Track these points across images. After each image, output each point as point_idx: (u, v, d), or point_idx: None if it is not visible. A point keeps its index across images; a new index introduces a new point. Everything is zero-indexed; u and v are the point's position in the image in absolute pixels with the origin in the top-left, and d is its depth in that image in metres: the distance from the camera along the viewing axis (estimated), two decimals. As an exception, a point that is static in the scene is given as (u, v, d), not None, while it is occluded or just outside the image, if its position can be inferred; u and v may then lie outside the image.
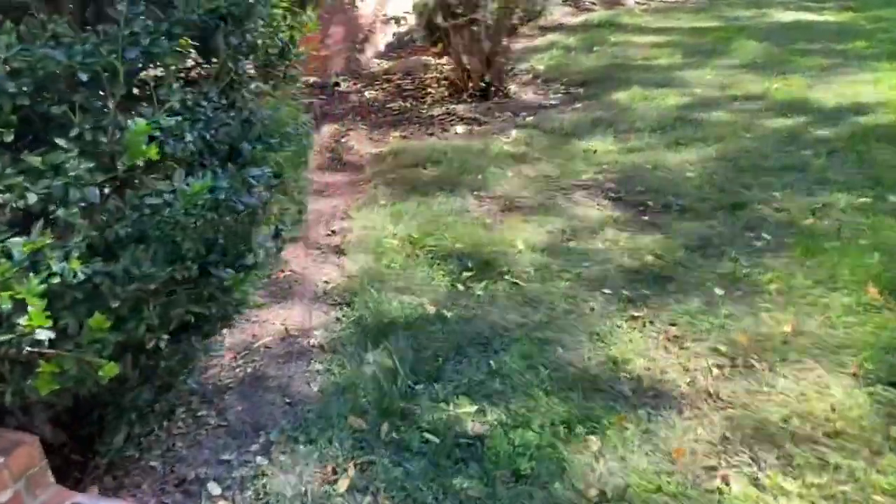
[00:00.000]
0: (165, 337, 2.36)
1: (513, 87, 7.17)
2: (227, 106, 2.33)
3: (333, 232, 4.62)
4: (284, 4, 3.79)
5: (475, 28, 6.74)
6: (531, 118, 6.49)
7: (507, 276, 3.92)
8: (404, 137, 6.27)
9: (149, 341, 2.34)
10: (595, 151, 5.61)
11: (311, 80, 7.84)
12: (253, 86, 2.53)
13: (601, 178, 5.13)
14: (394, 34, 8.80)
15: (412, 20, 7.58)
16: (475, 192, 5.00)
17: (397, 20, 7.51)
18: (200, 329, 2.61)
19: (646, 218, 4.54)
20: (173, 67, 2.16)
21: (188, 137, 2.14)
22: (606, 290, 3.76)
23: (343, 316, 3.72)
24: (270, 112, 2.46)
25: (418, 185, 5.13)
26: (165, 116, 2.05)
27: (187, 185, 2.13)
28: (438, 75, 7.59)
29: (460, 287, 3.86)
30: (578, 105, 6.78)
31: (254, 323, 3.67)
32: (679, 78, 7.25)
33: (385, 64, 8.72)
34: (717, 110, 6.29)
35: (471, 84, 6.93)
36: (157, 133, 2.07)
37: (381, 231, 4.48)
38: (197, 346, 2.57)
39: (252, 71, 2.48)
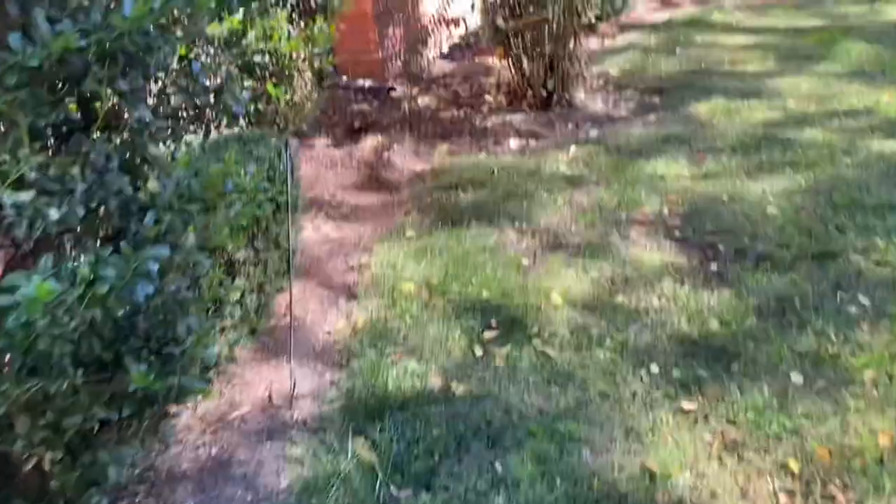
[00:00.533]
0: (55, 454, 1.85)
1: (579, 95, 6.42)
2: (118, 168, 1.78)
3: (351, 268, 4.05)
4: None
5: (536, 31, 6.03)
6: (595, 132, 5.74)
7: (535, 340, 3.27)
8: (452, 152, 5.64)
9: (26, 462, 1.83)
10: (662, 177, 4.84)
11: (367, 84, 7.32)
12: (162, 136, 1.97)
13: (665, 212, 4.37)
14: (459, 35, 8.16)
15: (478, 18, 6.93)
16: (516, 224, 4.33)
17: (456, 22, 6.86)
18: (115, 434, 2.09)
19: (713, 267, 3.77)
20: (24, 122, 1.61)
21: (52, 216, 1.59)
22: (654, 368, 3.05)
23: (338, 380, 3.15)
24: (186, 172, 1.90)
25: (454, 212, 4.50)
26: (10, 191, 1.51)
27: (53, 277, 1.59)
28: (499, 81, 6.91)
29: (478, 351, 3.23)
30: (651, 117, 5.98)
31: (235, 386, 3.15)
32: (770, 87, 6.32)
33: (447, 66, 8.09)
34: (811, 128, 5.38)
35: (531, 92, 6.23)
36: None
37: (401, 271, 3.89)
38: (105, 458, 2.03)
39: (160, 122, 1.91)
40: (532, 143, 5.69)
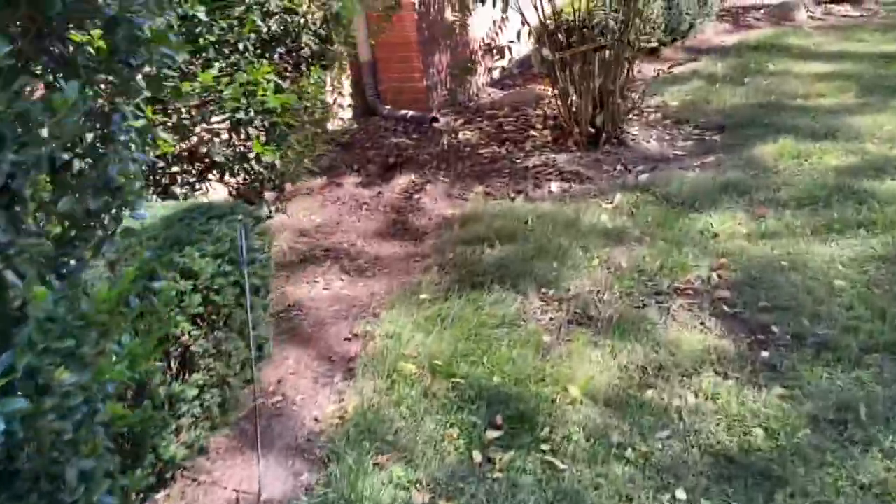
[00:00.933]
0: None
1: (632, 131, 5.88)
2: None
3: (355, 335, 3.66)
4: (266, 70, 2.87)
5: (585, 61, 5.54)
6: (645, 176, 5.20)
7: (544, 446, 2.79)
8: (487, 194, 5.21)
9: None
10: (715, 234, 4.28)
11: (409, 114, 6.95)
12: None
13: (714, 279, 3.82)
14: (509, 60, 7.71)
15: (530, 43, 6.46)
16: (543, 290, 3.86)
17: (501, 51, 6.42)
18: None
19: (765, 355, 3.22)
20: None
21: None
22: (680, 494, 2.54)
23: (313, 485, 2.75)
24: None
25: (477, 271, 4.06)
26: None
27: None
28: (545, 114, 6.44)
29: (476, 457, 2.78)
30: (709, 159, 5.40)
31: (200, 486, 2.79)
32: (847, 126, 5.65)
33: (497, 95, 7.66)
34: (892, 179, 4.72)
35: (577, 129, 5.73)
36: None
37: (407, 343, 3.47)
38: None
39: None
40: (575, 187, 5.20)
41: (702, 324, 3.49)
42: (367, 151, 6.26)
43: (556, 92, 5.79)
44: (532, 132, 6.20)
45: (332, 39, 3.21)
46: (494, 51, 6.49)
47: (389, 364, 3.32)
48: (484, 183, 5.40)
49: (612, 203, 4.83)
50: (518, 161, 5.68)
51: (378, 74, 7.31)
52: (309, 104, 3.28)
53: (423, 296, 3.88)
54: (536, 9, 5.58)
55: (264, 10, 2.69)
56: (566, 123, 5.82)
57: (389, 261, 4.41)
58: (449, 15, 7.24)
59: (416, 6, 6.81)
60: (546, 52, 5.63)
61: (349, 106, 7.22)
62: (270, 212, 3.65)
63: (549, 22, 5.65)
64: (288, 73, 3.16)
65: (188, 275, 2.36)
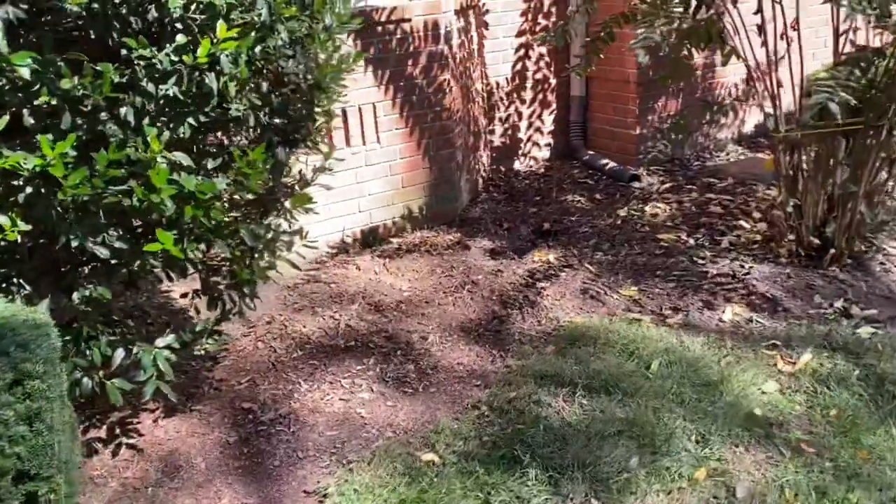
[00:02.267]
0: None
1: (878, 255, 3.99)
2: None
3: (313, 493, 2.65)
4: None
5: (827, 147, 3.80)
6: (870, 330, 3.40)
7: None
8: (634, 302, 3.79)
9: None
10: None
11: (609, 165, 5.63)
12: None
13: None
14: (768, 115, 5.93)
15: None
16: (594, 501, 2.49)
17: (734, 108, 4.79)
18: None
19: None
20: None
21: None
22: None
23: None
24: None
25: (523, 436, 2.79)
26: None
27: None
28: (760, 203, 4.70)
29: None
30: None
31: None
32: None
33: (734, 156, 5.96)
34: None
35: (792, 235, 4.00)
36: None
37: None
38: None
39: None
40: (760, 321, 3.57)
41: None
42: (530, 206, 5.11)
43: (782, 178, 4.10)
44: (742, 221, 4.54)
45: (311, 102, 2.15)
46: (715, 107, 4.85)
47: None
48: (640, 283, 3.98)
49: (793, 364, 3.17)
50: (701, 261, 4.13)
51: (589, 113, 6.05)
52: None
53: (425, 456, 2.73)
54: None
55: (154, 65, 1.75)
56: (782, 223, 4.11)
57: (445, 377, 3.28)
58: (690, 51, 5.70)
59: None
60: (775, 124, 3.97)
61: (546, 145, 6.08)
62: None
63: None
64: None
65: None
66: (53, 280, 2.12)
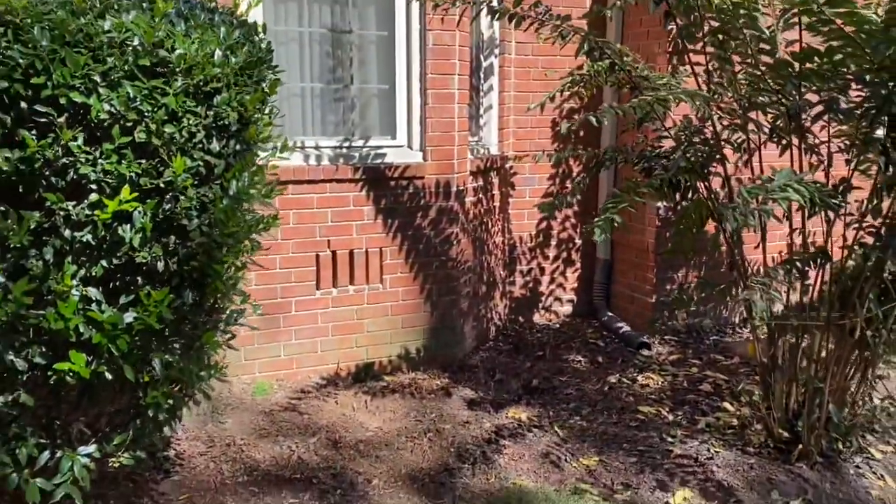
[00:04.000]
0: None
1: (857, 459, 3.78)
2: None
3: None
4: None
5: (802, 337, 3.75)
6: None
7: None
8: (589, 473, 3.74)
9: None
10: None
11: (623, 329, 5.66)
12: None
13: None
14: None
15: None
16: None
17: (730, 290, 4.76)
18: None
19: None
20: None
21: None
22: None
23: None
24: None
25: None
26: None
27: None
28: (743, 389, 4.56)
29: None
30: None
31: None
32: None
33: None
34: None
35: (759, 425, 3.88)
36: None
37: None
38: None
39: None
40: (703, 510, 3.45)
41: None
42: (529, 361, 5.18)
43: (760, 362, 4.03)
44: (727, 404, 4.41)
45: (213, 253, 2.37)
46: (714, 290, 4.83)
47: None
48: (602, 454, 3.93)
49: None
50: (671, 440, 4.04)
51: (614, 275, 6.15)
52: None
53: None
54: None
55: (70, 216, 2.10)
56: (754, 411, 3.99)
57: (371, 521, 3.35)
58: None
59: (659, 211, 5.57)
60: (758, 314, 3.96)
61: (569, 301, 6.20)
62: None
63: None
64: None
65: None
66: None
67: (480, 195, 5.34)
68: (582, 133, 5.92)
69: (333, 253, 4.72)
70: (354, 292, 4.79)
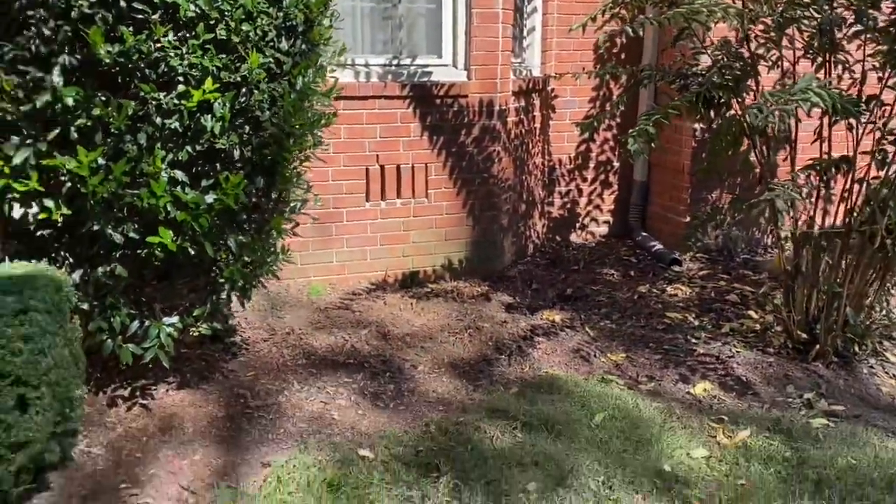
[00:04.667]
0: None
1: (872, 360, 4.02)
2: None
3: (189, 489, 3.16)
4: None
5: (831, 248, 3.96)
6: (832, 421, 3.48)
7: None
8: (616, 367, 4.07)
9: None
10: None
11: (655, 247, 5.89)
12: None
13: None
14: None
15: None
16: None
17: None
18: None
19: None
20: None
21: None
22: None
23: None
24: None
25: (461, 459, 3.17)
26: None
27: None
28: (770, 297, 4.78)
29: None
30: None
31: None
32: None
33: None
34: None
35: (779, 327, 4.13)
36: None
37: None
38: None
39: None
40: (721, 398, 3.75)
41: None
42: (564, 274, 5.48)
43: (785, 273, 4.25)
44: (751, 312, 4.67)
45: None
46: (744, 205, 5.00)
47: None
48: (629, 352, 4.24)
49: (730, 438, 3.34)
50: (695, 341, 4.33)
51: (650, 197, 6.36)
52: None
53: (362, 451, 3.17)
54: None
55: (161, 105, 2.44)
56: (776, 318, 4.24)
57: (416, 400, 3.72)
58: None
59: (696, 132, 5.72)
60: (786, 228, 4.17)
61: (605, 222, 6.44)
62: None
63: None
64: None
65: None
66: (85, 256, 2.84)
67: (522, 116, 5.56)
68: (623, 56, 6.04)
69: (382, 167, 5.02)
70: (401, 205, 5.10)
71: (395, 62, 4.98)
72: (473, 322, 4.55)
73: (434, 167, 5.13)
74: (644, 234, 6.26)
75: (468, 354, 4.19)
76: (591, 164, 6.28)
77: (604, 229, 6.46)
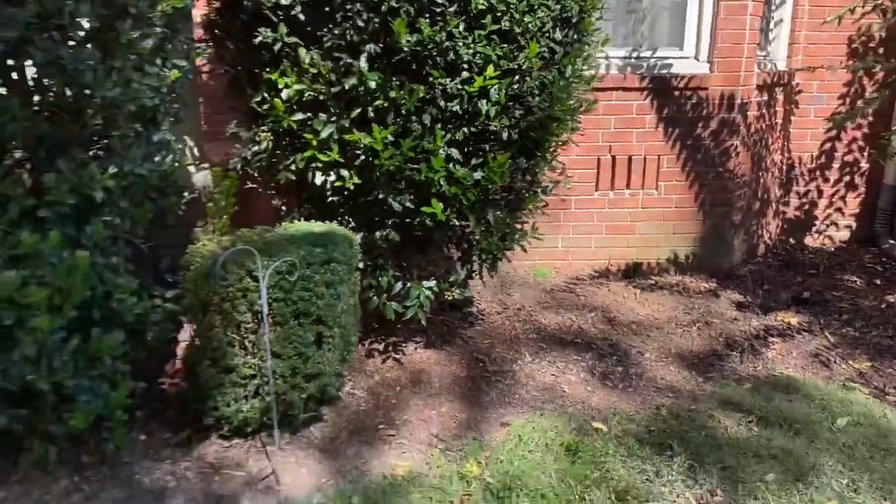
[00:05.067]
0: None
1: None
2: None
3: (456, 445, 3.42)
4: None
5: None
6: None
7: None
8: (859, 376, 3.88)
9: None
10: None
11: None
12: None
13: None
14: None
15: None
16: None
17: None
18: None
19: None
20: None
21: None
22: None
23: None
24: None
25: (694, 443, 3.24)
26: None
27: None
28: None
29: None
30: None
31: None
32: None
33: None
34: None
35: None
36: None
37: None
38: None
39: None
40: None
41: None
42: (800, 276, 5.26)
43: None
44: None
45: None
46: None
47: None
48: (875, 362, 4.03)
49: None
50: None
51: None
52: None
53: (595, 424, 3.33)
54: None
55: (446, 89, 2.73)
56: None
57: (644, 384, 3.80)
58: None
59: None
60: None
61: (846, 227, 6.07)
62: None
63: None
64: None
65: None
66: (364, 222, 3.25)
67: (763, 110, 5.39)
68: (881, 50, 5.64)
69: (613, 157, 5.12)
70: (630, 196, 5.17)
71: (634, 54, 5.06)
72: (702, 316, 4.54)
73: (667, 159, 5.14)
74: (892, 241, 5.81)
75: (696, 347, 4.20)
76: (836, 165, 5.92)
77: (844, 234, 6.07)
